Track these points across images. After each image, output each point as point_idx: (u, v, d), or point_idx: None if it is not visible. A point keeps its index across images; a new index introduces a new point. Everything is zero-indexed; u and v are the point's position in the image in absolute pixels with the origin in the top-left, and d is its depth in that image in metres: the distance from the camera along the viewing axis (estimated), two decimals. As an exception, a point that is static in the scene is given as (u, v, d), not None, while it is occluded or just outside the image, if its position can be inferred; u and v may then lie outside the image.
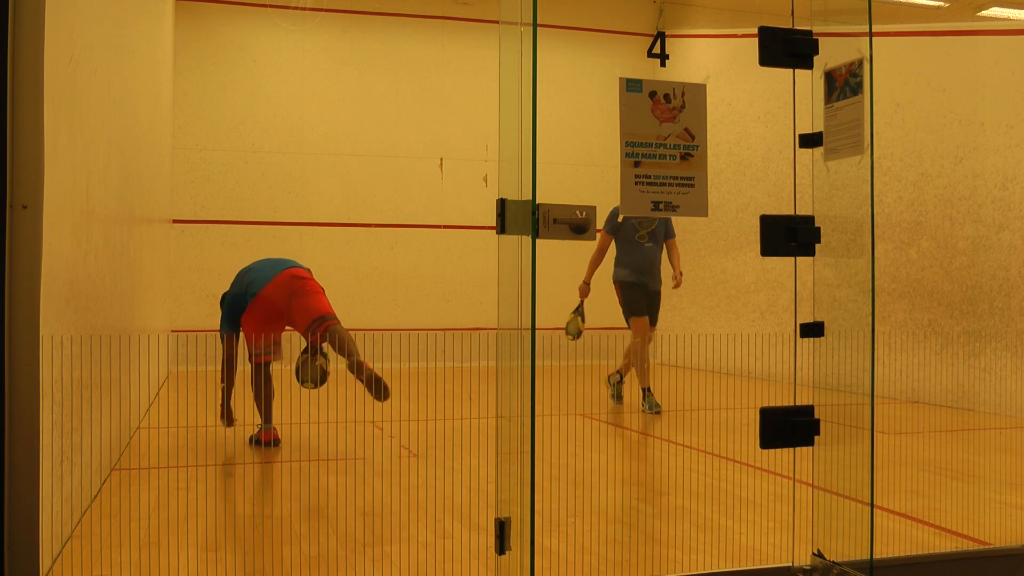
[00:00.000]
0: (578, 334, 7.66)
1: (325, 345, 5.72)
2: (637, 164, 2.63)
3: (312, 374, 5.57)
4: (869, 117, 2.90)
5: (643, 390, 7.38)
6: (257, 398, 5.73)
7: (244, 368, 5.88)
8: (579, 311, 7.68)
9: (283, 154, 11.26)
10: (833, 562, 2.92)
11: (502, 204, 2.47)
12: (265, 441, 5.64)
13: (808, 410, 2.86)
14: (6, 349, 2.62)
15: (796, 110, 3.09)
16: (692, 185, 2.69)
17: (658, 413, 7.22)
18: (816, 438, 2.87)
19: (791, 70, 2.90)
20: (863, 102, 2.91)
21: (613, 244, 7.63)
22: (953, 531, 3.86)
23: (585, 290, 7.73)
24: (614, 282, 7.57)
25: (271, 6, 10.50)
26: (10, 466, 2.63)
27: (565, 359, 11.20)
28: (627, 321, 7.57)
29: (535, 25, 2.38)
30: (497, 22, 2.50)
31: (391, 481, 4.84)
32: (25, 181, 2.68)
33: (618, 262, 7.58)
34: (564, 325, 7.67)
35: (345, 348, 5.48)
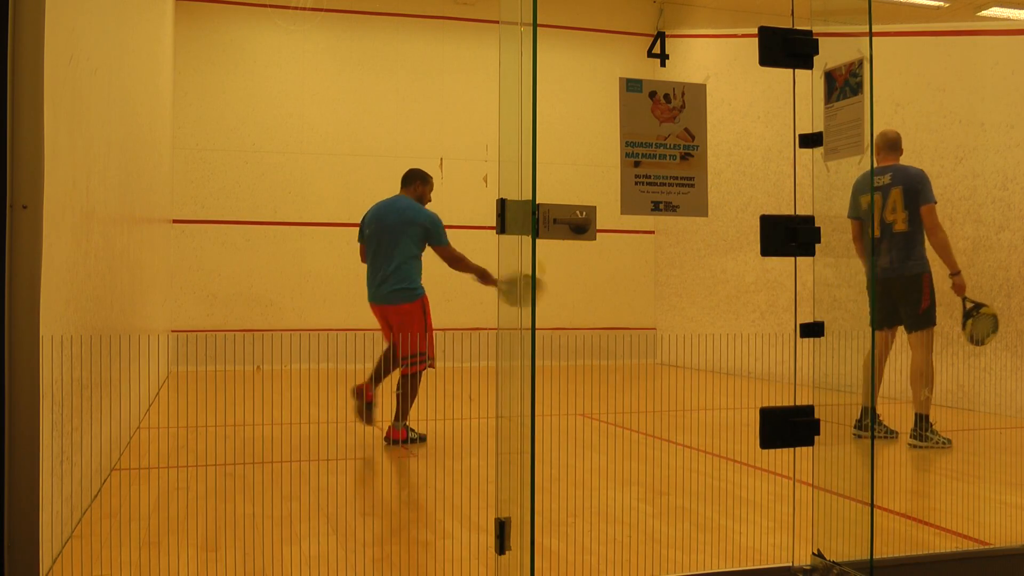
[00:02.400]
0: (993, 330, 5.83)
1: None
2: (637, 164, 2.63)
3: None
4: (869, 117, 2.90)
5: (924, 417, 5.75)
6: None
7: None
8: (976, 310, 5.83)
9: (283, 154, 11.26)
10: (833, 562, 2.92)
11: (502, 204, 2.47)
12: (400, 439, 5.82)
13: (808, 410, 2.86)
14: (6, 349, 2.62)
15: (796, 110, 3.09)
16: (692, 185, 2.69)
17: (944, 446, 5.69)
18: (816, 438, 2.87)
19: (791, 70, 2.90)
20: (863, 102, 2.91)
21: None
22: (953, 531, 3.86)
23: (961, 284, 5.89)
24: (917, 275, 5.86)
25: (271, 6, 10.50)
26: (10, 466, 2.63)
27: (565, 359, 11.20)
28: (922, 329, 5.86)
29: (535, 25, 2.38)
30: (497, 22, 2.50)
31: (391, 481, 4.84)
32: (25, 181, 2.68)
33: (921, 245, 5.87)
34: (968, 334, 5.88)
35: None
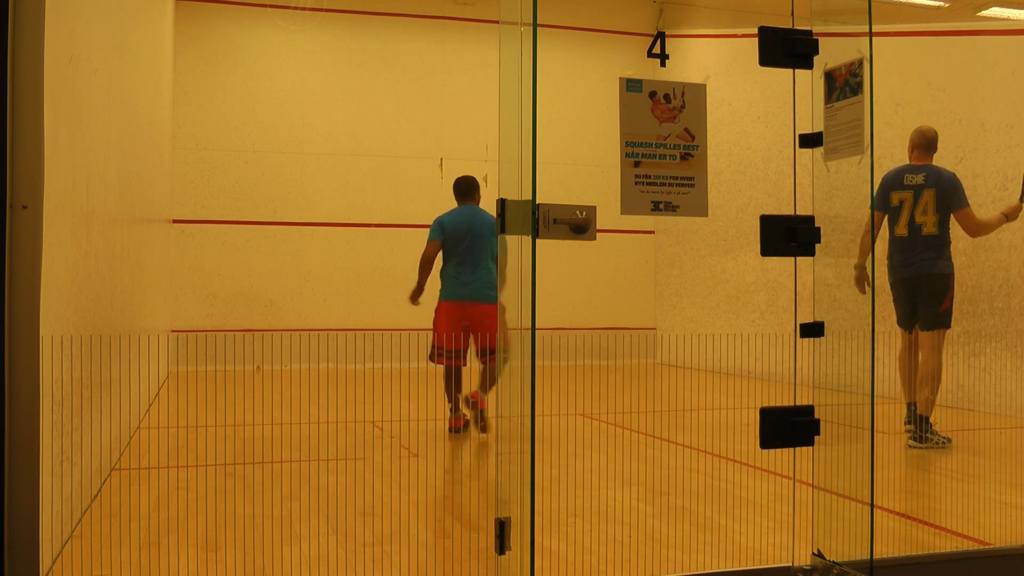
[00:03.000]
0: None
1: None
2: (637, 164, 2.63)
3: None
4: (869, 117, 2.90)
5: (924, 418, 5.80)
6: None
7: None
8: None
9: (283, 154, 11.26)
10: (833, 562, 2.92)
11: (502, 204, 2.47)
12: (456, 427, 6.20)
13: (808, 410, 2.86)
14: (6, 349, 2.62)
15: (796, 110, 3.09)
16: (692, 185, 2.69)
17: (943, 446, 5.74)
18: (816, 438, 2.87)
19: (791, 70, 2.90)
20: (863, 102, 2.91)
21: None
22: (953, 531, 3.86)
23: (1015, 207, 6.04)
24: (946, 275, 5.90)
25: (271, 6, 10.50)
26: (10, 466, 2.63)
27: (565, 359, 11.20)
28: (937, 329, 5.93)
29: (535, 25, 2.38)
30: (497, 22, 2.50)
31: (391, 481, 4.84)
32: (25, 181, 2.68)
33: (949, 246, 5.94)
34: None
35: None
